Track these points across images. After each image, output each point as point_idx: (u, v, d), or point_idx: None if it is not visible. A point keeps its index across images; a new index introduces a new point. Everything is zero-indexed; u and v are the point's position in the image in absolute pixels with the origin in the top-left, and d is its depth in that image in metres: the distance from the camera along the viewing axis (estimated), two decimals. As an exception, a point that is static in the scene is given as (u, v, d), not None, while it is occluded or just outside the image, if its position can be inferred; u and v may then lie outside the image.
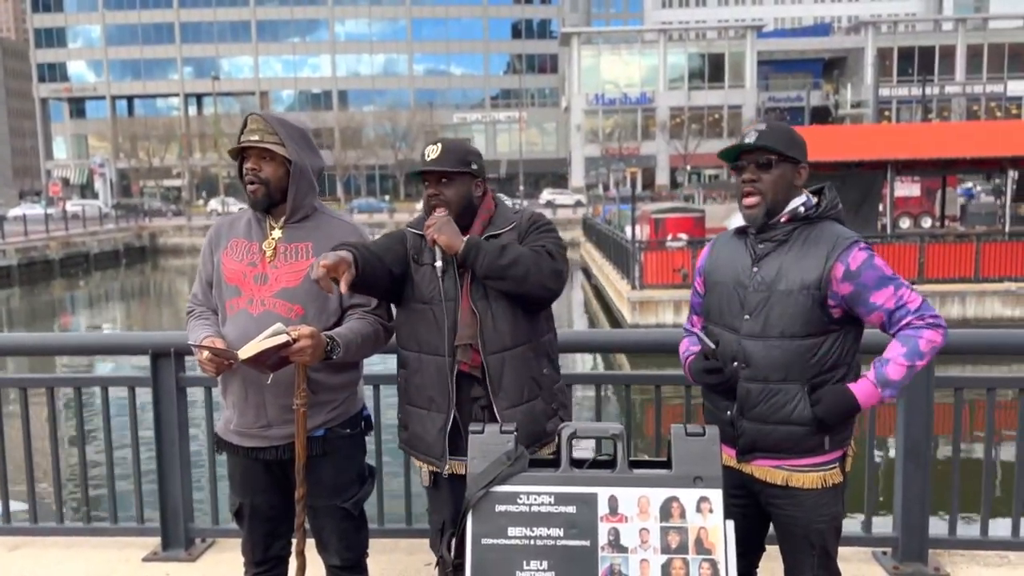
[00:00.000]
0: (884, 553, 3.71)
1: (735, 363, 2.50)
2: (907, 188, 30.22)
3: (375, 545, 3.83)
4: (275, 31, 79.38)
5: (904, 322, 2.43)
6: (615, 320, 20.13)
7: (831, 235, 2.48)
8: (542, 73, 79.64)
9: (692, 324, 2.78)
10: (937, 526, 3.68)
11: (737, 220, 2.63)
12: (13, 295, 30.96)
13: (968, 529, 3.75)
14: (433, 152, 2.65)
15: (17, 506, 4.21)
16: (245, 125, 2.69)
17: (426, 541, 3.77)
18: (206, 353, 2.52)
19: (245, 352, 2.47)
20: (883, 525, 3.83)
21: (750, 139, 2.49)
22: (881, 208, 20.20)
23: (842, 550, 3.73)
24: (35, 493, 3.93)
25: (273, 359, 2.49)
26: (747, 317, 2.49)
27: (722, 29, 67.16)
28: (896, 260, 17.39)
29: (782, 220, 2.51)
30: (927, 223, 29.60)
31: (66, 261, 37.08)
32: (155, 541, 3.86)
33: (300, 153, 2.69)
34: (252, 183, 2.68)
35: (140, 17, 78.67)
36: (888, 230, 19.93)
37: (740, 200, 2.54)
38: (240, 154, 2.70)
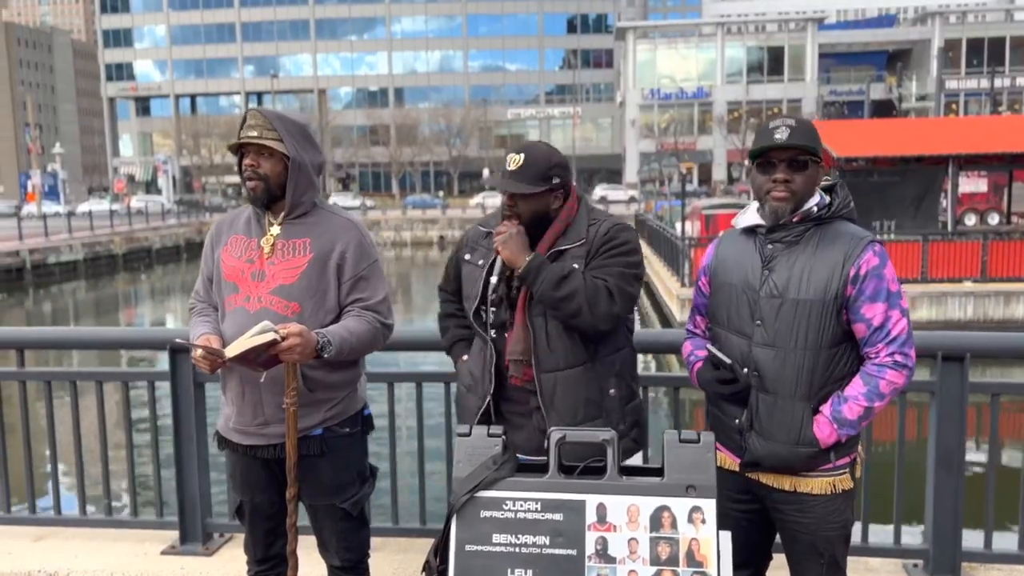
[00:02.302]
0: (915, 566, 3.54)
1: (745, 370, 2.40)
2: (973, 183, 29.20)
3: (390, 544, 3.82)
4: (333, 29, 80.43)
5: (875, 350, 2.33)
6: (665, 318, 19.89)
7: (846, 237, 2.35)
8: (597, 68, 79.16)
9: (695, 325, 2.67)
10: (971, 538, 3.50)
11: (747, 218, 2.50)
12: (79, 288, 31.95)
13: (1004, 541, 3.56)
14: (514, 163, 2.52)
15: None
16: (244, 121, 2.66)
17: (440, 541, 3.75)
18: (199, 351, 2.50)
19: (232, 350, 2.44)
20: (914, 536, 3.66)
21: (781, 136, 2.34)
22: (943, 204, 19.57)
23: (870, 561, 3.61)
24: (59, 485, 4.00)
25: (263, 357, 2.46)
26: (758, 324, 2.38)
27: (782, 22, 65.79)
28: (957, 258, 16.84)
29: (794, 220, 2.38)
30: (994, 220, 28.57)
31: (129, 256, 38.12)
32: (173, 535, 3.89)
33: (299, 149, 2.66)
34: (251, 179, 2.65)
35: (203, 17, 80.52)
36: (950, 227, 19.28)
37: (762, 197, 2.41)
38: (239, 150, 2.68)
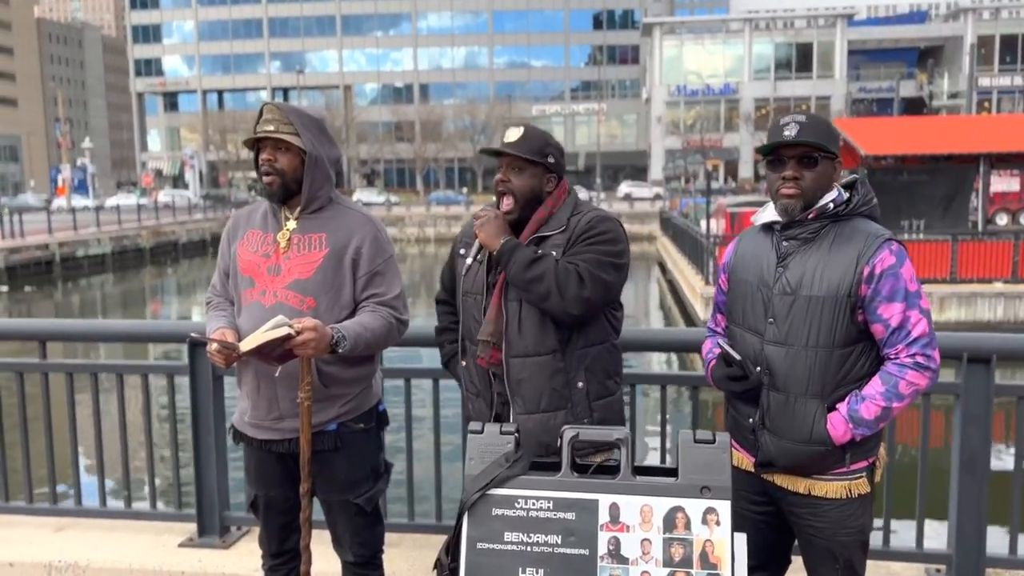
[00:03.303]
0: (937, 571, 3.48)
1: (758, 369, 2.36)
2: (1005, 182, 28.72)
3: (406, 540, 3.81)
4: (359, 25, 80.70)
5: (895, 351, 2.27)
6: (688, 316, 19.76)
7: (862, 235, 2.30)
8: (623, 64, 78.80)
9: (716, 323, 2.63)
10: (996, 544, 3.43)
11: (765, 215, 2.46)
12: (107, 281, 32.34)
13: (1030, 548, 3.48)
14: (513, 135, 2.59)
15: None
16: (260, 115, 2.66)
17: (456, 538, 3.74)
18: (214, 345, 2.51)
19: (247, 344, 2.45)
20: (937, 541, 3.60)
21: (790, 133, 2.30)
22: (974, 203, 19.27)
23: (893, 565, 3.55)
24: (80, 477, 4.03)
25: (278, 352, 2.46)
26: (770, 321, 2.34)
27: (811, 17, 65.14)
28: (987, 259, 16.57)
29: (810, 216, 2.34)
30: (1027, 219, 28.12)
31: (156, 250, 38.56)
32: (191, 527, 3.91)
33: (315, 143, 2.65)
34: (267, 174, 2.64)
35: (231, 13, 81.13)
36: (980, 227, 18.98)
37: (774, 195, 2.38)
38: (256, 144, 2.68)
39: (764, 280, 2.38)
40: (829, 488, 2.35)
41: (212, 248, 42.85)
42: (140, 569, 3.66)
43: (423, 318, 2.84)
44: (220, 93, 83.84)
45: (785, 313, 2.32)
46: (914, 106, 58.64)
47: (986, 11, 63.10)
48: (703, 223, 20.72)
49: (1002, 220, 28.49)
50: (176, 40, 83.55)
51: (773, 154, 2.36)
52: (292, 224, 2.70)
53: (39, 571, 3.72)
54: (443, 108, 75.66)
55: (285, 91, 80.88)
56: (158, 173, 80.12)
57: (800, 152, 2.32)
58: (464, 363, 2.74)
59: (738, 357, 2.36)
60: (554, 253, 2.51)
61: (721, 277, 2.59)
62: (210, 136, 76.30)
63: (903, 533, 3.78)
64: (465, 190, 67.54)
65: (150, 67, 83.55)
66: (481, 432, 2.23)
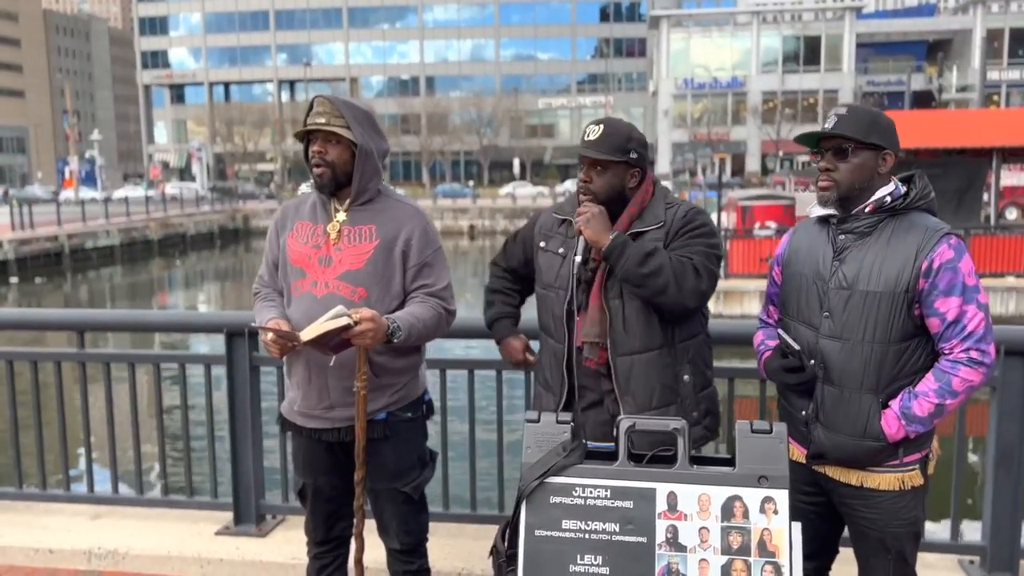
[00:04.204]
0: (971, 562, 3.50)
1: (812, 361, 2.37)
2: (1016, 177, 28.62)
3: (440, 529, 3.84)
4: (365, 18, 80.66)
5: (949, 346, 2.27)
6: (699, 309, 19.73)
7: (920, 229, 2.30)
8: (630, 57, 78.66)
9: (768, 315, 2.65)
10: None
11: (818, 207, 2.48)
12: (115, 273, 32.41)
13: (1066, 541, 3.50)
14: (593, 133, 2.54)
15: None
16: (311, 108, 2.68)
17: (491, 527, 3.76)
18: (270, 335, 2.53)
19: (307, 334, 2.47)
20: (971, 532, 3.62)
21: (828, 124, 2.34)
22: (986, 198, 19.21)
23: (926, 556, 3.57)
24: (116, 465, 4.07)
25: (335, 341, 2.49)
26: (826, 315, 2.36)
27: (819, 11, 64.83)
28: (999, 253, 16.53)
29: (866, 210, 2.35)
30: (1037, 214, 28.04)
31: (164, 241, 38.61)
32: (227, 516, 3.95)
33: (366, 136, 2.67)
34: (318, 166, 2.67)
35: (237, 5, 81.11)
36: (992, 221, 18.93)
37: (816, 186, 2.41)
38: (306, 136, 2.70)
39: (820, 274, 2.39)
40: (882, 480, 2.36)
41: (220, 240, 42.97)
42: (179, 556, 3.70)
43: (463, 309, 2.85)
44: (227, 85, 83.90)
45: (841, 308, 2.33)
46: (923, 99, 58.33)
47: (995, 4, 62.79)
48: (714, 216, 20.69)
49: (1012, 214, 28.40)
50: (183, 32, 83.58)
51: (818, 146, 2.39)
52: (342, 216, 2.72)
53: (79, 558, 3.76)
54: (449, 101, 75.63)
55: (291, 83, 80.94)
56: (165, 165, 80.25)
57: (834, 144, 2.34)
58: (542, 361, 2.75)
59: (797, 348, 2.38)
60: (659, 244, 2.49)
61: (775, 269, 2.60)
62: (217, 128, 76.38)
63: (936, 528, 3.80)
64: (471, 183, 67.50)
65: (157, 59, 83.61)
66: (537, 421, 2.25)
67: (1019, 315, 16.14)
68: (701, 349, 2.63)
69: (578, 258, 2.55)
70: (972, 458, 3.41)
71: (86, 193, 53.99)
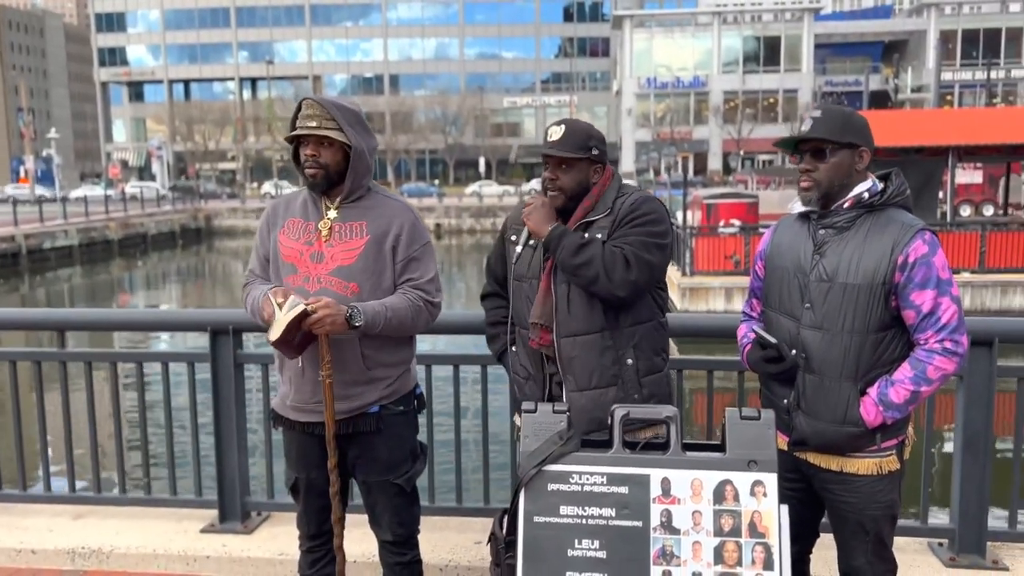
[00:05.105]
0: (940, 544, 3.64)
1: (793, 351, 2.47)
2: (968, 175, 29.37)
3: (426, 523, 3.86)
4: (328, 15, 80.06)
5: (924, 336, 2.38)
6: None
7: (896, 224, 2.41)
8: (593, 57, 79.08)
9: (751, 308, 2.75)
10: (997, 520, 3.60)
11: (800, 204, 2.58)
12: (75, 274, 31.86)
13: (1029, 522, 3.65)
14: (556, 133, 2.66)
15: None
16: (299, 110, 2.70)
17: (476, 520, 3.82)
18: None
19: (273, 334, 2.51)
20: (940, 517, 3.76)
21: (805, 128, 2.46)
22: (941, 195, 19.68)
23: (897, 540, 3.66)
24: (99, 465, 4.06)
25: (298, 338, 2.54)
26: (807, 306, 2.46)
27: (778, 12, 65.81)
28: (956, 249, 16.94)
29: (845, 206, 2.46)
30: (989, 211, 28.75)
31: (125, 241, 38.02)
32: (212, 513, 3.96)
33: (357, 137, 2.71)
34: (311, 168, 2.70)
35: (196, 2, 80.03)
36: (948, 218, 19.40)
37: (799, 186, 2.51)
38: (296, 139, 2.73)
39: (801, 267, 2.49)
40: (860, 465, 2.47)
41: (182, 240, 42.41)
42: (165, 554, 3.70)
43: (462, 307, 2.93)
44: (187, 83, 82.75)
45: (822, 299, 2.43)
46: (879, 99, 59.53)
47: (948, 6, 64.23)
48: (679, 215, 20.94)
49: (965, 212, 29.13)
50: (141, 29, 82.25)
51: (795, 149, 2.50)
52: (333, 213, 2.76)
53: (62, 557, 3.75)
54: (414, 99, 75.37)
55: (253, 81, 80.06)
56: (124, 164, 78.90)
57: (812, 146, 2.46)
58: (513, 349, 2.84)
59: (773, 340, 2.47)
60: (600, 236, 2.60)
61: (757, 264, 2.70)
62: (177, 127, 75.30)
63: (907, 513, 3.93)
64: (437, 182, 67.39)
65: (115, 56, 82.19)
66: (534, 411, 2.32)
67: (974, 310, 16.57)
68: (650, 335, 2.71)
69: (519, 247, 2.76)
70: (941, 447, 3.56)
71: (42, 192, 52.92)
